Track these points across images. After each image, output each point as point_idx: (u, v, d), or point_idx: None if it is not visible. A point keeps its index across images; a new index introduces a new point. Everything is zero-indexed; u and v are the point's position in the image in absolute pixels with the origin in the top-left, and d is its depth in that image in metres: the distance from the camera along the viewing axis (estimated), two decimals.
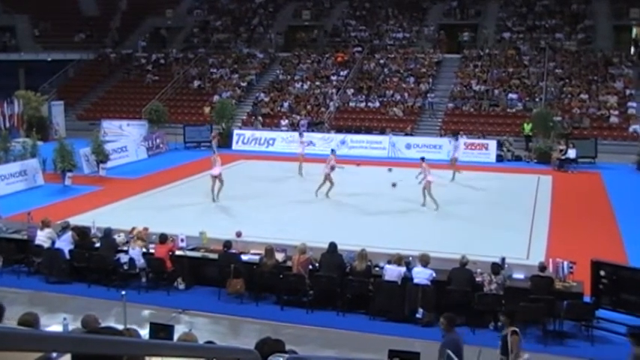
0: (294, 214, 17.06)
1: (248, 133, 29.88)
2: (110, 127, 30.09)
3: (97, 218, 14.62)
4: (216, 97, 33.05)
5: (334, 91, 32.72)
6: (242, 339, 10.31)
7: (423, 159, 18.56)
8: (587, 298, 10.70)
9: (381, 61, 34.57)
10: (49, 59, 37.67)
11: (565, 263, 11.08)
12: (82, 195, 19.86)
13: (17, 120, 28.99)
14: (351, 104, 32.08)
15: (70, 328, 7.85)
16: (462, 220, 16.56)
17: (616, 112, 28.28)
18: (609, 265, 10.78)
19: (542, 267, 10.93)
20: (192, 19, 42.04)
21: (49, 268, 12.56)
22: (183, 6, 43.22)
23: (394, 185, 18.40)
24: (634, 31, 35.27)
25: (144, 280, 12.34)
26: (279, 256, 12.05)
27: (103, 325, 7.02)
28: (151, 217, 15.17)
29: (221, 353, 3.25)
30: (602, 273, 10.67)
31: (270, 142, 29.10)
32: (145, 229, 13.13)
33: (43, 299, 11.63)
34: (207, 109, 32.23)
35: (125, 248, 12.68)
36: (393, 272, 11.13)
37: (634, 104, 28.47)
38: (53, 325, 8.67)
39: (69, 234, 12.86)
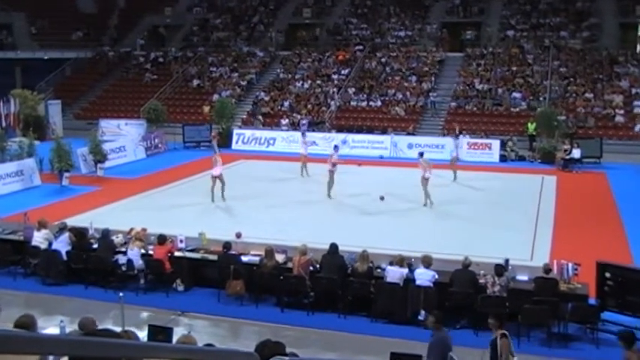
0: (295, 214, 17.06)
1: (248, 132, 29.87)
2: (108, 126, 30.07)
3: (94, 219, 14.62)
4: (215, 96, 33.04)
5: (335, 90, 32.70)
6: (242, 341, 10.29)
7: (421, 154, 18.58)
8: (592, 301, 10.68)
9: (383, 60, 34.56)
10: (46, 57, 37.64)
11: (570, 265, 11.06)
12: (80, 195, 19.85)
13: (13, 119, 28.98)
14: (353, 103, 32.06)
15: (67, 330, 7.84)
16: (465, 220, 16.55)
17: (621, 112, 28.26)
18: (615, 267, 10.76)
19: (547, 269, 10.92)
20: (191, 17, 42.04)
21: (46, 269, 12.55)
22: (182, 4, 43.24)
23: (382, 199, 18.20)
24: None
25: (142, 281, 12.33)
26: (280, 258, 12.04)
27: (100, 327, 7.02)
28: (150, 218, 15.17)
29: (221, 356, 3.24)
30: (607, 275, 10.65)
31: (271, 141, 29.09)
32: (144, 229, 13.12)
33: (40, 301, 11.62)
34: (206, 109, 32.22)
35: (123, 249, 12.66)
36: (394, 274, 11.12)
37: None
38: (50, 327, 8.67)
39: (66, 235, 12.85)
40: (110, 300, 10.80)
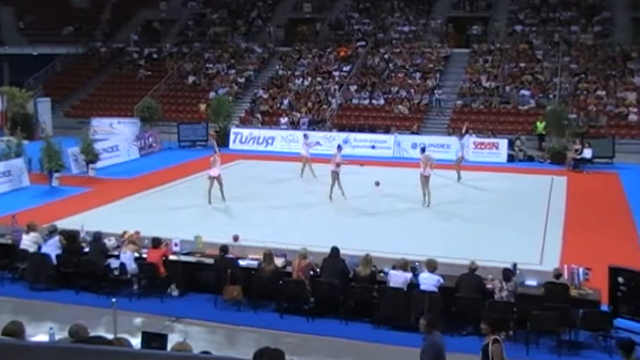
0: (295, 216, 17.06)
1: (246, 131, 29.88)
2: (100, 125, 30.07)
3: (86, 221, 14.62)
4: (212, 94, 33.04)
5: (336, 87, 32.70)
6: (239, 349, 10.31)
7: (423, 149, 18.66)
8: (604, 307, 10.68)
9: (386, 56, 34.55)
10: (35, 53, 37.68)
11: (581, 269, 11.05)
12: (70, 197, 19.85)
13: (1, 117, 29.04)
14: (354, 101, 32.06)
15: (57, 338, 7.84)
16: (471, 223, 16.55)
17: (635, 110, 28.24)
18: (628, 272, 10.75)
19: (557, 273, 10.91)
20: (187, 12, 42.05)
21: (35, 274, 12.54)
22: None
23: (377, 184, 18.52)
24: None
25: (136, 286, 12.33)
26: (279, 262, 12.03)
27: (92, 334, 7.01)
28: (144, 220, 15.18)
29: None
30: (620, 280, 10.65)
31: (269, 141, 29.11)
32: (137, 232, 13.13)
33: (29, 307, 11.61)
34: (202, 107, 32.22)
35: (116, 253, 12.66)
36: (398, 278, 11.12)
37: None
38: (39, 334, 8.66)
39: (56, 238, 12.84)
40: (102, 306, 10.79)
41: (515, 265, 11.45)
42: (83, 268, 12.43)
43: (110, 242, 13.03)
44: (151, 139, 28.66)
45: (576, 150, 24.64)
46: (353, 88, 32.68)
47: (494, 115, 29.72)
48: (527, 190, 20.53)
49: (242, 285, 11.71)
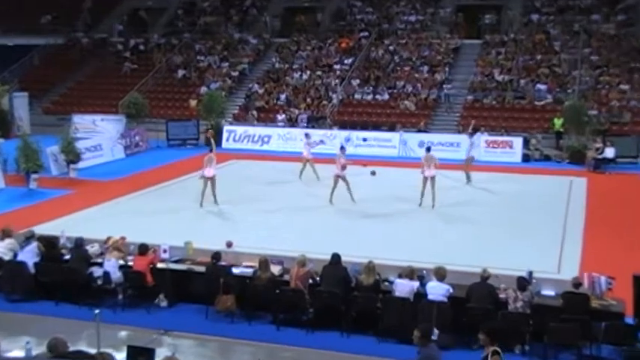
0: (293, 221, 17.05)
1: (240, 129, 29.91)
2: (82, 122, 30.08)
3: (66, 226, 14.62)
4: (203, 89, 33.08)
5: (337, 81, 32.74)
6: None
7: (428, 149, 18.77)
8: (629, 319, 10.66)
9: (391, 48, 34.59)
10: (11, 44, 37.68)
11: (602, 278, 11.04)
12: (50, 200, 19.86)
13: None
14: (357, 97, 32.09)
15: (35, 353, 7.83)
16: (483, 228, 16.54)
17: None
18: None
19: (576, 282, 10.90)
20: (176, 0, 42.07)
21: (11, 283, 12.53)
22: None
23: (373, 173, 18.71)
24: None
25: (121, 296, 12.33)
26: (275, 269, 12.04)
27: (72, 349, 7.01)
28: (129, 225, 15.15)
29: None
30: None
31: (265, 139, 29.14)
32: (122, 238, 13.14)
33: (4, 320, 11.59)
34: (193, 103, 32.26)
35: (99, 260, 12.66)
36: (404, 287, 11.13)
37: None
38: (15, 350, 8.65)
39: (34, 245, 12.83)
40: (84, 318, 10.75)
41: (530, 273, 11.45)
42: (63, 277, 12.40)
43: (93, 249, 13.03)
44: (137, 138, 28.67)
45: (597, 149, 24.64)
46: (355, 82, 32.70)
47: (507, 112, 29.75)
48: (544, 193, 20.52)
49: (236, 295, 11.71)
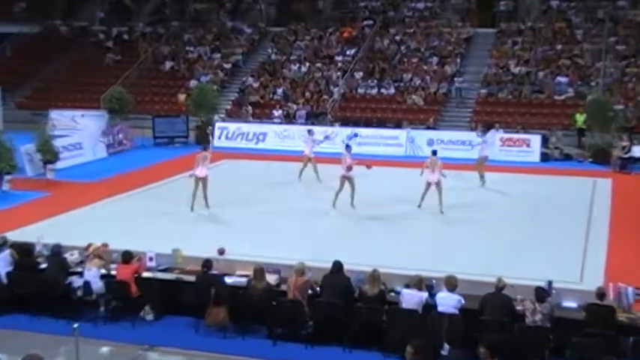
0: (291, 225, 17.05)
1: (233, 126, 29.93)
2: (60, 118, 30.13)
3: (43, 232, 14.58)
4: (193, 82, 33.12)
5: (339, 74, 32.76)
6: None
7: (434, 152, 18.80)
8: None
9: (397, 38, 34.63)
10: None
11: (630, 289, 11.06)
12: (24, 203, 19.85)
13: None
14: (360, 91, 32.14)
15: None
16: (498, 234, 16.54)
17: None
18: None
19: (600, 293, 10.89)
20: None
21: None
22: None
23: (369, 167, 18.78)
24: None
25: (102, 309, 12.31)
26: (272, 279, 12.03)
27: None
28: (112, 231, 15.15)
29: None
30: None
31: (261, 137, 29.17)
32: (104, 245, 13.13)
33: None
34: (182, 97, 32.26)
35: (79, 269, 12.64)
36: (412, 298, 11.12)
37: None
38: None
39: (7, 252, 12.82)
40: (62, 332, 10.76)
41: (550, 283, 11.44)
42: (39, 288, 12.37)
43: (72, 257, 13.02)
44: (120, 135, 28.67)
45: (623, 147, 24.66)
46: (358, 75, 32.75)
47: (524, 107, 29.77)
48: (565, 195, 20.53)
49: (228, 306, 11.70)
